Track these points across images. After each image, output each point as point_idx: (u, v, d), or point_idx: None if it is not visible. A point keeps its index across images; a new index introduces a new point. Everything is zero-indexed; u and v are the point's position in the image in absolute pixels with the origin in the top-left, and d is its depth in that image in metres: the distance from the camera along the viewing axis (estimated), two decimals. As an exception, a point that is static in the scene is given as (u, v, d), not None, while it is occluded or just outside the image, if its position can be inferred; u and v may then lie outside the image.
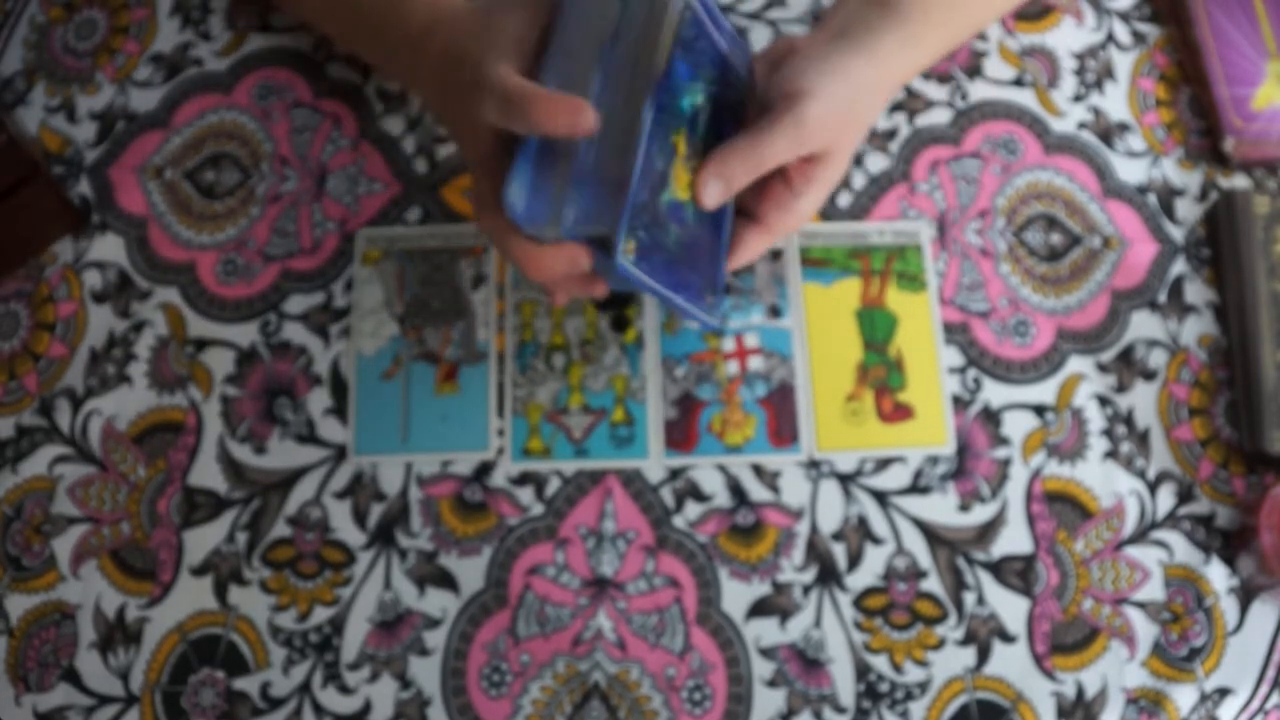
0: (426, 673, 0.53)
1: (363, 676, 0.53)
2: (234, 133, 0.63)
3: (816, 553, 0.55)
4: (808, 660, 0.54)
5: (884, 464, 0.57)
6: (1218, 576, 0.55)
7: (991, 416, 0.58)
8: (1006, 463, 0.57)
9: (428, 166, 0.62)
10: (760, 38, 0.64)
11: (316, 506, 0.56)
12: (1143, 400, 0.58)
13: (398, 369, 0.58)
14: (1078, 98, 0.64)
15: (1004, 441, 0.57)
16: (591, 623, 0.54)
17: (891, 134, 0.63)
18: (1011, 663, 0.54)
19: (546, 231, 0.43)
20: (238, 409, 0.58)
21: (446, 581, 0.55)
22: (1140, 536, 0.56)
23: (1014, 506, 0.56)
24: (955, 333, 0.59)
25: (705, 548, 0.55)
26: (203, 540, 0.56)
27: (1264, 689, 0.54)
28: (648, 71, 0.44)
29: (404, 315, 0.59)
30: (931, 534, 0.56)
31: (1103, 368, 0.59)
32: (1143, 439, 0.58)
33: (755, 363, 0.58)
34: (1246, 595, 0.55)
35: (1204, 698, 0.54)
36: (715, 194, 0.47)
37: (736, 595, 0.54)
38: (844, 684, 0.53)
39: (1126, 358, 0.59)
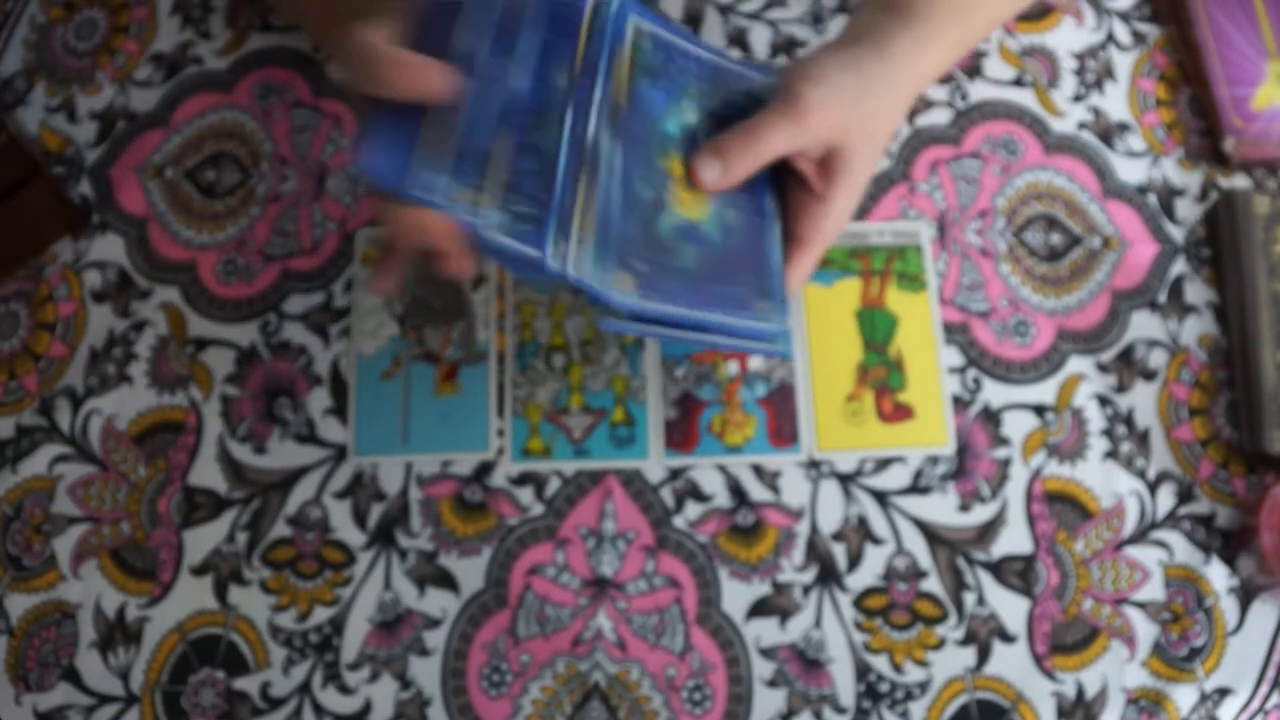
0: (426, 673, 0.53)
1: (363, 676, 0.53)
2: (234, 132, 0.63)
3: (817, 553, 0.55)
4: (808, 660, 0.54)
5: (884, 464, 0.57)
6: (1218, 576, 0.55)
7: (991, 416, 0.58)
8: (1006, 463, 0.57)
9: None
10: (760, 38, 0.64)
11: (316, 506, 0.56)
12: (1143, 400, 0.58)
13: (398, 369, 0.58)
14: (1078, 98, 0.64)
15: (1004, 441, 0.57)
16: (591, 623, 0.54)
17: (891, 135, 0.63)
18: (1012, 663, 0.54)
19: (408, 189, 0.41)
20: (238, 409, 0.58)
21: (446, 581, 0.55)
22: (1140, 536, 0.56)
23: (1014, 506, 0.56)
24: (955, 333, 0.59)
25: (705, 548, 0.55)
26: (203, 540, 0.56)
27: (1264, 689, 0.54)
28: (575, 87, 0.44)
29: (404, 315, 0.59)
30: (932, 534, 0.56)
31: (1103, 368, 0.59)
32: (1143, 439, 0.58)
33: (755, 363, 0.58)
34: (1246, 595, 0.55)
35: (1204, 698, 0.54)
36: (712, 173, 0.47)
37: (736, 595, 0.54)
38: (844, 684, 0.53)
39: (1126, 358, 0.59)
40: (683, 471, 0.56)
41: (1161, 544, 0.56)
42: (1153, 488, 0.57)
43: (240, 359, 0.59)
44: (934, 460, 0.57)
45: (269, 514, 0.56)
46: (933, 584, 0.55)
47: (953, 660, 0.54)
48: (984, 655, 0.54)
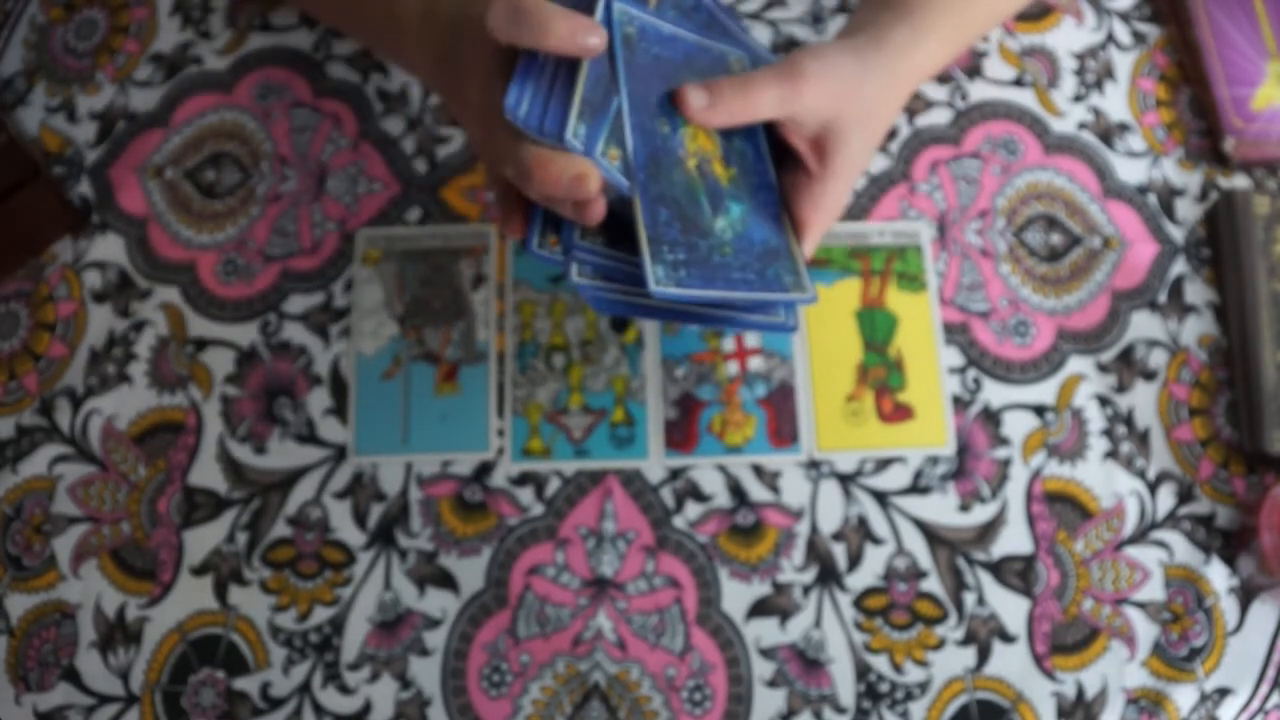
0: (426, 673, 0.53)
1: (363, 677, 0.53)
2: (234, 132, 0.63)
3: (817, 553, 0.55)
4: (808, 660, 0.54)
5: (884, 464, 0.57)
6: (1218, 576, 0.55)
7: (991, 417, 0.58)
8: (1006, 463, 0.57)
9: (428, 166, 0.62)
10: (760, 38, 0.64)
11: (316, 506, 0.56)
12: (1143, 400, 0.58)
13: (398, 369, 0.58)
14: (1078, 98, 0.64)
15: (1004, 442, 0.57)
16: (591, 623, 0.54)
17: (892, 134, 0.63)
18: (1012, 663, 0.54)
19: (544, 130, 0.43)
20: (238, 409, 0.58)
21: (446, 582, 0.55)
22: (1140, 536, 0.56)
23: (1014, 507, 0.56)
24: (955, 333, 0.59)
25: (705, 548, 0.55)
26: (203, 540, 0.56)
27: (1264, 689, 0.54)
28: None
29: (404, 315, 0.59)
30: (931, 534, 0.56)
31: (1103, 368, 0.59)
32: (1143, 439, 0.58)
33: (755, 363, 0.58)
34: (1246, 595, 0.55)
35: (1204, 698, 0.54)
36: (699, 100, 0.47)
37: (736, 595, 0.54)
38: (844, 684, 0.53)
39: (1126, 358, 0.59)
40: (683, 471, 0.56)
41: (1161, 544, 0.56)
42: (1153, 488, 0.57)
43: (240, 359, 0.59)
44: (934, 460, 0.57)
45: (269, 514, 0.56)
46: (933, 584, 0.55)
47: (953, 660, 0.54)
48: (984, 655, 0.54)
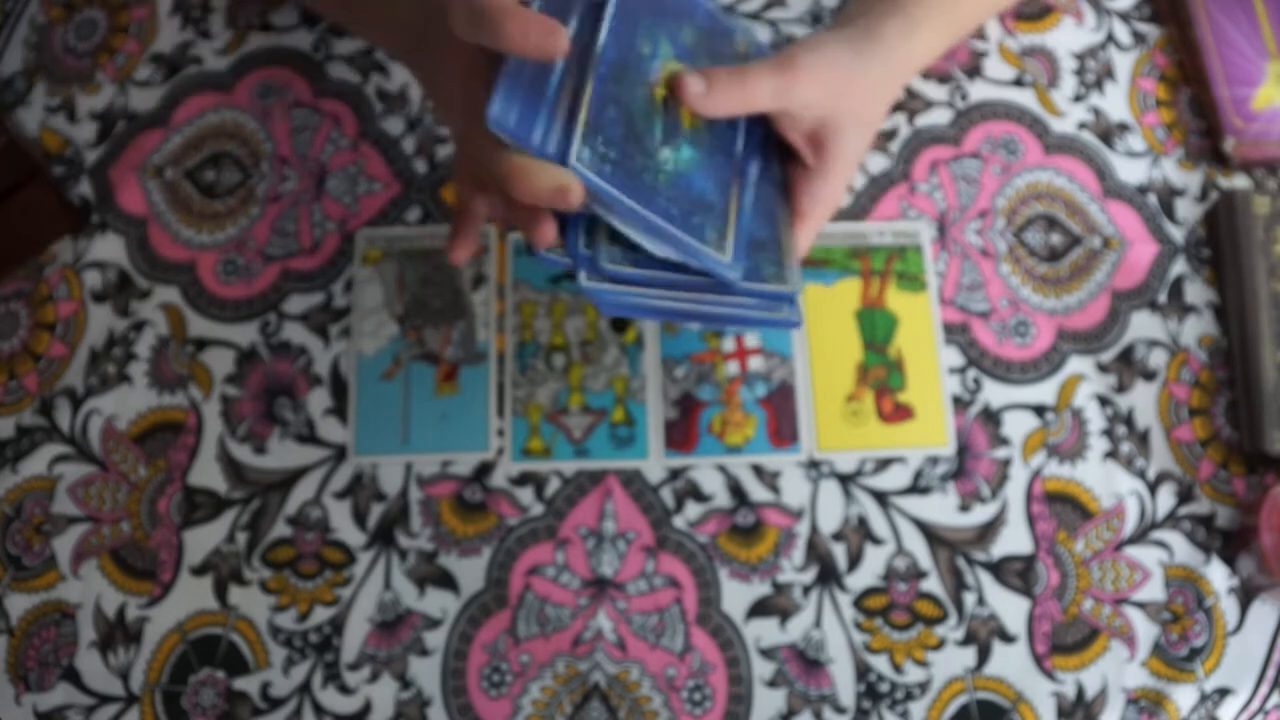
0: (426, 673, 0.53)
1: (363, 677, 0.53)
2: (234, 132, 0.63)
3: (816, 553, 0.55)
4: (808, 660, 0.54)
5: (884, 464, 0.57)
6: (1218, 577, 0.55)
7: (991, 417, 0.58)
8: (1006, 463, 0.57)
9: (428, 166, 0.62)
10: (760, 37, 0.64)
11: (316, 506, 0.56)
12: (1143, 400, 0.58)
13: (398, 369, 0.58)
14: (1078, 98, 0.64)
15: (1004, 442, 0.57)
16: (591, 623, 0.54)
17: (891, 134, 0.63)
18: (1012, 663, 0.54)
19: (530, 145, 0.42)
20: (238, 409, 0.58)
21: (446, 582, 0.55)
22: (1140, 537, 0.56)
23: (1014, 507, 0.56)
24: (955, 333, 0.59)
25: (705, 548, 0.55)
26: (203, 540, 0.56)
27: (1264, 689, 0.54)
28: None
29: (404, 315, 0.59)
30: (931, 534, 0.56)
31: (1103, 368, 0.59)
32: (1143, 439, 0.58)
33: (755, 363, 0.58)
34: (1246, 595, 0.55)
35: (1204, 698, 0.54)
36: (696, 86, 0.47)
37: (736, 595, 0.54)
38: (844, 684, 0.53)
39: (1126, 358, 0.59)
40: (683, 471, 0.56)
41: (1161, 544, 0.56)
42: (1153, 488, 0.57)
43: (240, 359, 0.59)
44: (934, 460, 0.57)
45: (269, 514, 0.56)
46: (933, 584, 0.55)
47: (953, 660, 0.54)
48: (984, 655, 0.54)
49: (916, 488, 0.56)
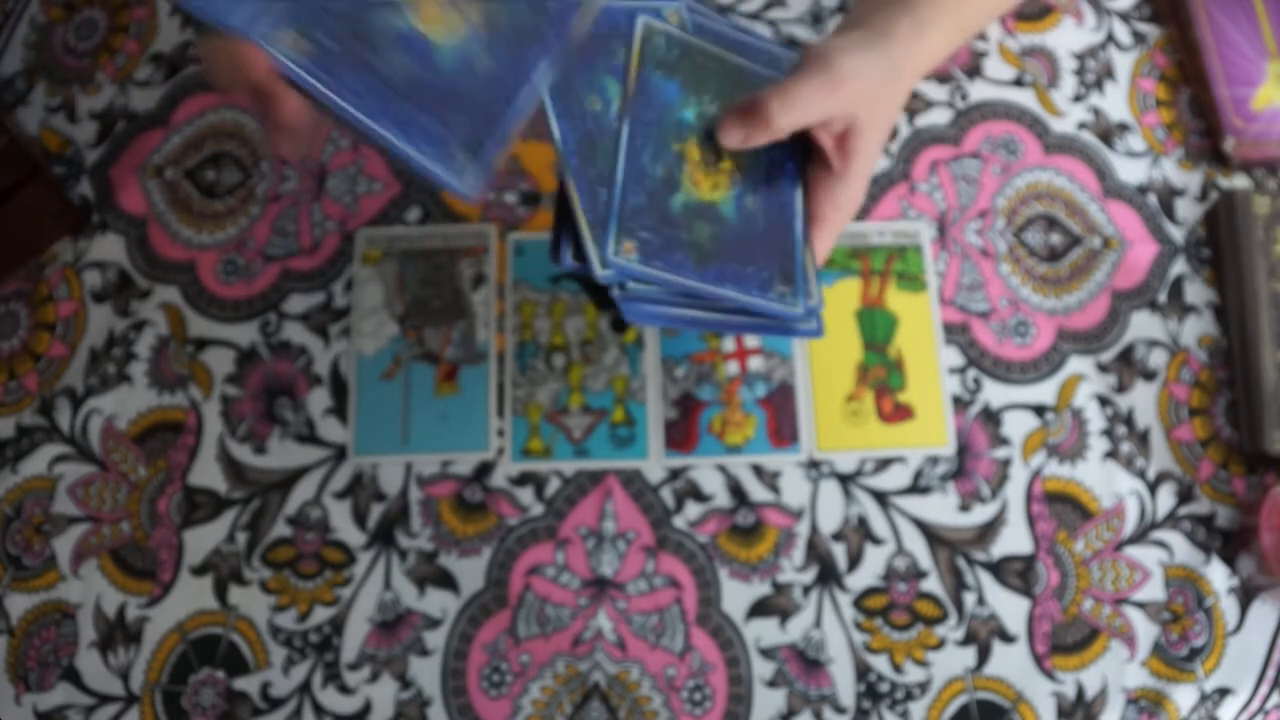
0: (427, 673, 0.53)
1: (363, 676, 0.53)
2: (234, 132, 0.63)
3: (816, 553, 0.55)
4: (808, 660, 0.54)
5: (884, 464, 0.57)
6: (1218, 576, 0.55)
7: (991, 417, 0.58)
8: (1006, 463, 0.57)
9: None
10: (760, 38, 0.64)
11: (316, 506, 0.56)
12: (1143, 400, 0.58)
13: (398, 369, 0.58)
14: (1078, 98, 0.64)
15: (1004, 442, 0.57)
16: (591, 623, 0.54)
17: (892, 134, 0.63)
18: (1012, 663, 0.54)
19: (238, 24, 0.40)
20: (238, 409, 0.58)
21: (446, 582, 0.55)
22: (1140, 537, 0.56)
23: (1014, 507, 0.56)
24: (955, 333, 0.59)
25: (705, 548, 0.55)
26: (203, 540, 0.56)
27: (1264, 689, 0.54)
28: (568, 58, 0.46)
29: (404, 315, 0.59)
30: (931, 534, 0.56)
31: (1103, 368, 0.59)
32: (1143, 439, 0.58)
33: (755, 363, 0.58)
34: (1246, 595, 0.55)
35: (1204, 698, 0.54)
36: (735, 137, 0.48)
37: (736, 595, 0.54)
38: (844, 684, 0.53)
39: (1126, 358, 0.59)
40: (683, 471, 0.56)
41: (1161, 544, 0.56)
42: (1153, 488, 0.57)
43: (240, 359, 0.59)
44: (934, 460, 0.57)
45: (269, 514, 0.56)
46: (933, 584, 0.55)
47: (953, 660, 0.54)
48: (984, 655, 0.54)
49: (916, 488, 0.56)
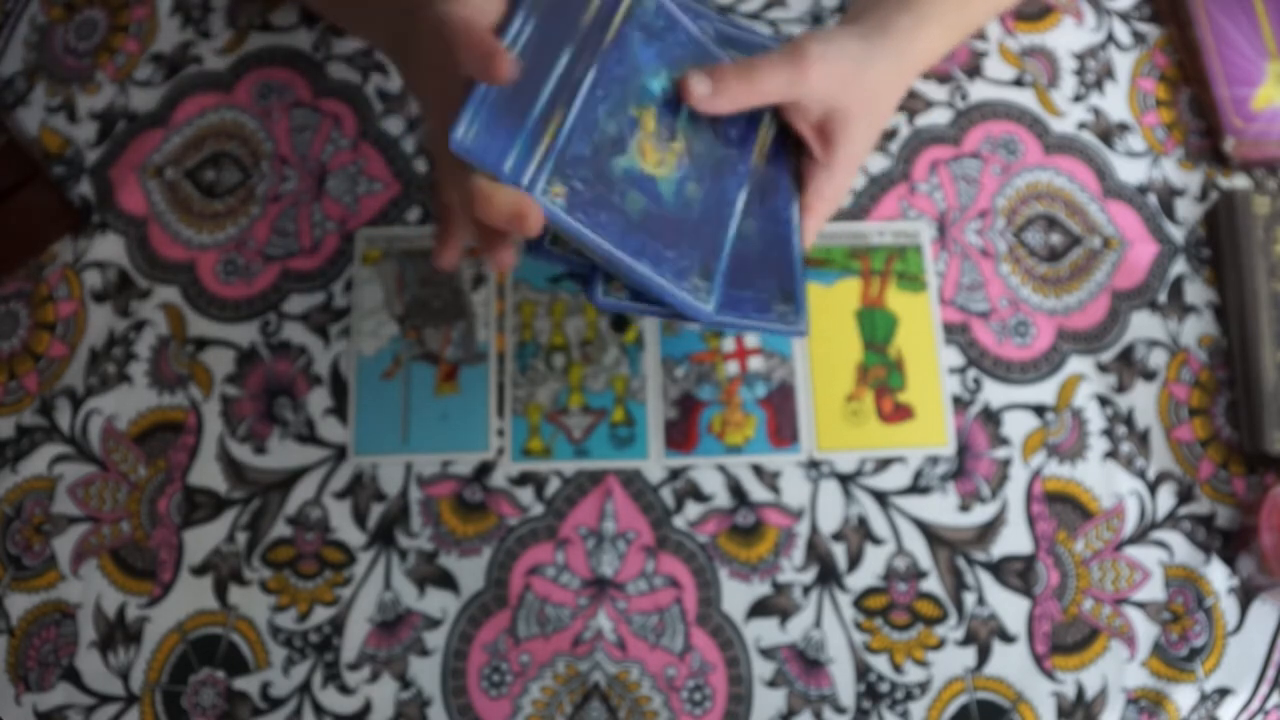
0: (427, 673, 0.53)
1: (363, 677, 0.53)
2: (234, 132, 0.63)
3: (816, 553, 0.55)
4: (808, 660, 0.54)
5: (884, 464, 0.57)
6: (1218, 577, 0.55)
7: (991, 417, 0.58)
8: (1006, 463, 0.57)
9: (428, 166, 0.62)
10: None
11: (316, 506, 0.56)
12: (1143, 400, 0.58)
13: (398, 369, 0.58)
14: (1078, 98, 0.64)
15: (1004, 442, 0.57)
16: (592, 623, 0.54)
17: (891, 134, 0.63)
18: (1012, 663, 0.54)
19: (488, 167, 0.42)
20: (238, 409, 0.58)
21: (446, 582, 0.55)
22: (1140, 537, 0.56)
23: (1014, 507, 0.56)
24: (955, 333, 0.59)
25: (705, 548, 0.55)
26: (203, 540, 0.56)
27: (1264, 689, 0.54)
28: (577, 26, 0.45)
29: (404, 315, 0.59)
30: (931, 534, 0.56)
31: (1103, 368, 0.59)
32: (1143, 439, 0.58)
33: (755, 363, 0.58)
34: (1246, 595, 0.55)
35: (1204, 698, 0.54)
36: (702, 87, 0.47)
37: (736, 595, 0.54)
38: (844, 684, 0.53)
39: (1126, 358, 0.59)
40: (683, 471, 0.56)
41: (1161, 544, 0.56)
42: (1153, 488, 0.57)
43: (240, 359, 0.59)
44: (934, 460, 0.57)
45: (269, 514, 0.56)
46: (933, 584, 0.55)
47: (953, 660, 0.54)
48: (984, 655, 0.54)
49: (916, 488, 0.56)
